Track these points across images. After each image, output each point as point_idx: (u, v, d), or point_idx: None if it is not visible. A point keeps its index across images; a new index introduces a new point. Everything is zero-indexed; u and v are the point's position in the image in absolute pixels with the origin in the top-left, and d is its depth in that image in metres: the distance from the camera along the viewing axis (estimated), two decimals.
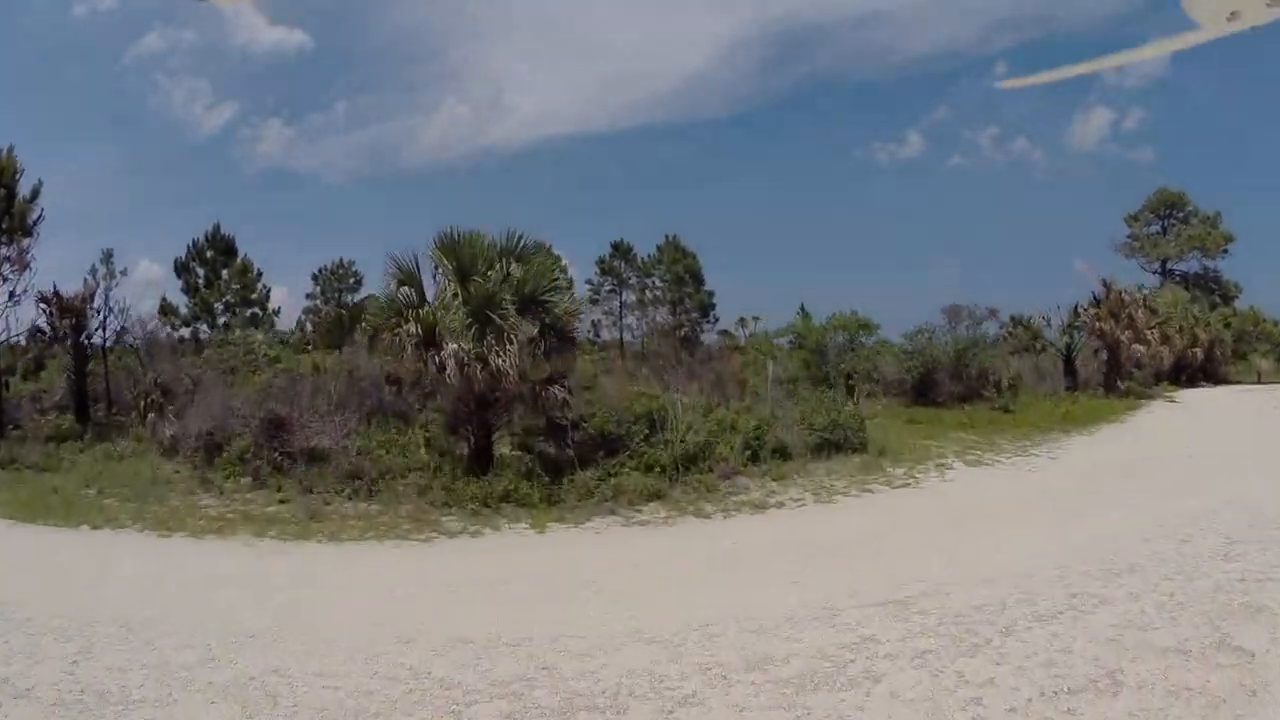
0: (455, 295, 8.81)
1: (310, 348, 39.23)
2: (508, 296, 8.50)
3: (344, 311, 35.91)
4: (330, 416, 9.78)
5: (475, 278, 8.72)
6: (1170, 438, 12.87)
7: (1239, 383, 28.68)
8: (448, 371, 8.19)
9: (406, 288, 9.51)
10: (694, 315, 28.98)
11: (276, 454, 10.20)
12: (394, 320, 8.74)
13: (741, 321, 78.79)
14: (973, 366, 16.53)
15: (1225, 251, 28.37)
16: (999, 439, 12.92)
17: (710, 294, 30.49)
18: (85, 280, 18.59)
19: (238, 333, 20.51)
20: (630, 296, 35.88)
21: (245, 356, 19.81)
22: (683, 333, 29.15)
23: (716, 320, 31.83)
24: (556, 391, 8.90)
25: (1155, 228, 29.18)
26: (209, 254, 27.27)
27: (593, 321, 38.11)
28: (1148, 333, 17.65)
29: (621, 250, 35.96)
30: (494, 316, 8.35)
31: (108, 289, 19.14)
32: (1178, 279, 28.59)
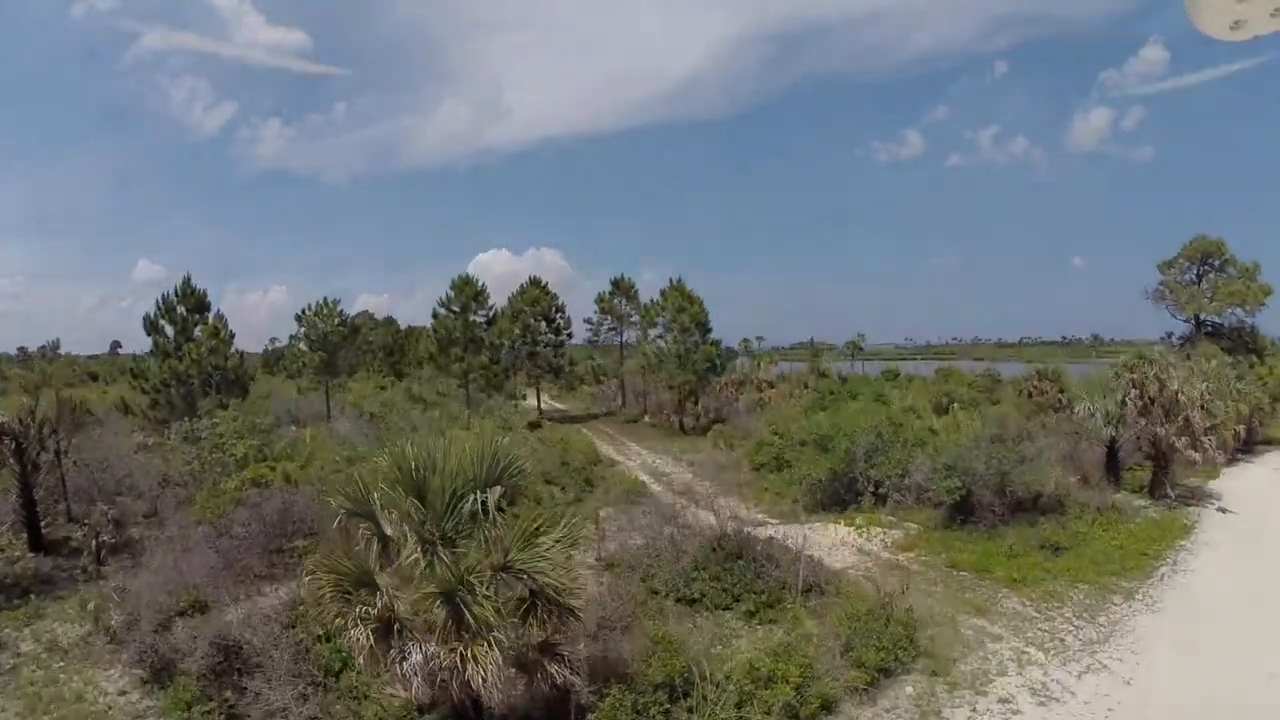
0: (417, 561, 7.05)
1: (300, 378, 37.06)
2: (481, 588, 6.72)
3: (327, 355, 34.07)
4: (288, 670, 8.17)
5: (442, 550, 6.92)
6: (1245, 618, 11.35)
7: (1270, 443, 27.26)
8: (414, 688, 6.52)
9: (359, 521, 7.77)
10: (701, 367, 27.27)
11: (228, 696, 8.76)
12: (340, 607, 6.92)
13: (745, 343, 77.00)
14: (1017, 487, 14.97)
15: (1264, 305, 26.78)
16: (1056, 615, 11.44)
17: (717, 344, 28.74)
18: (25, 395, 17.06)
19: (205, 422, 18.78)
20: (632, 335, 34.21)
21: (212, 454, 18.18)
22: (688, 388, 27.50)
23: (722, 369, 30.15)
24: (555, 670, 7.27)
25: (1190, 275, 27.45)
26: (180, 310, 25.44)
27: (594, 367, 36.40)
28: (1204, 439, 16.10)
29: (623, 287, 34.13)
30: (467, 611, 6.59)
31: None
32: (1209, 329, 26.95)
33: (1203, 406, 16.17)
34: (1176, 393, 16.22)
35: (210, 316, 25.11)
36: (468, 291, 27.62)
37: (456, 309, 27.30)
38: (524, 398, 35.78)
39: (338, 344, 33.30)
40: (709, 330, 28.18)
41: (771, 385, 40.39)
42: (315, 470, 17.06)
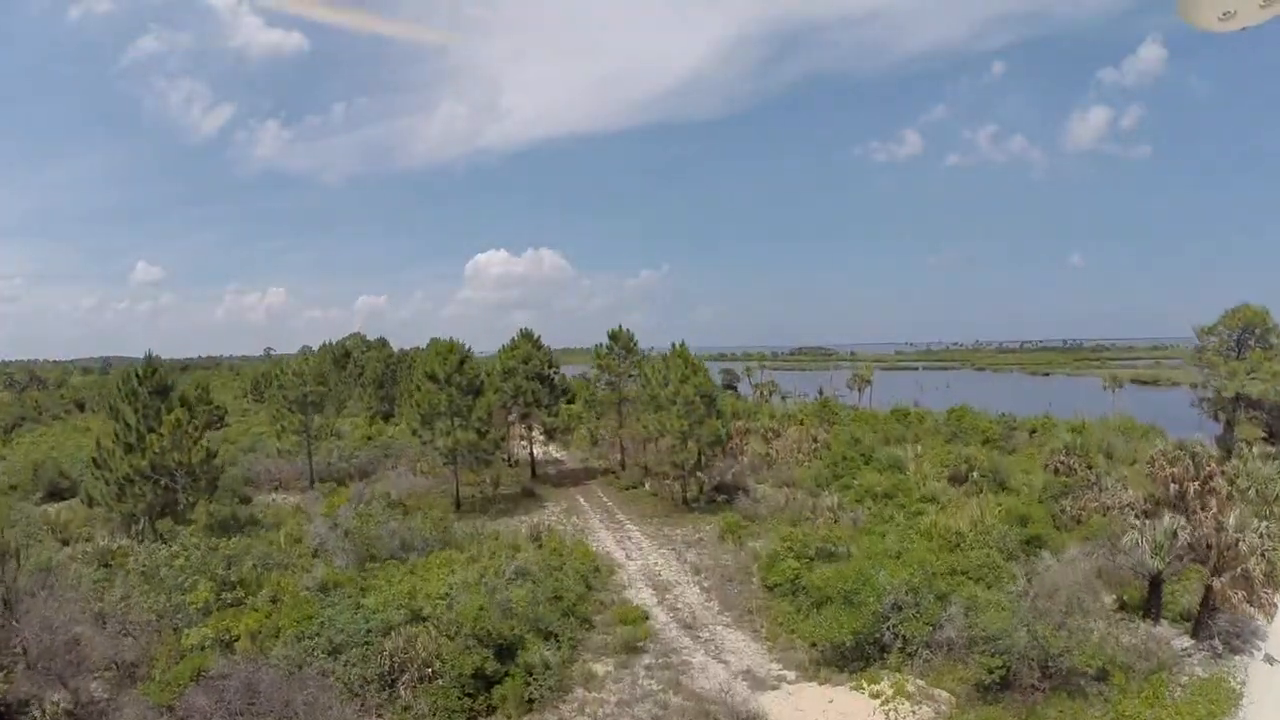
0: None
1: (281, 438, 35.03)
2: None
3: (305, 417, 32.23)
4: None
5: None
6: None
7: None
8: None
9: None
10: (707, 441, 25.56)
11: None
12: None
13: (748, 371, 75.44)
14: (1065, 661, 13.45)
15: None
16: None
17: (725, 424, 26.90)
18: None
19: (163, 553, 17.16)
20: (631, 387, 32.54)
21: (174, 597, 16.64)
22: (691, 464, 25.87)
23: (728, 437, 28.49)
24: None
25: (1230, 343, 25.82)
26: (142, 393, 23.65)
27: (591, 430, 34.69)
28: (1263, 593, 14.60)
29: (620, 340, 32.37)
30: None
31: None
32: (1248, 400, 25.40)
33: (1263, 554, 14.62)
34: (1237, 541, 14.65)
35: (174, 399, 23.35)
36: (451, 361, 25.76)
37: (441, 378, 25.51)
38: (515, 462, 34.08)
39: (317, 403, 31.47)
40: (714, 401, 26.44)
41: (778, 434, 38.80)
42: (285, 618, 15.46)
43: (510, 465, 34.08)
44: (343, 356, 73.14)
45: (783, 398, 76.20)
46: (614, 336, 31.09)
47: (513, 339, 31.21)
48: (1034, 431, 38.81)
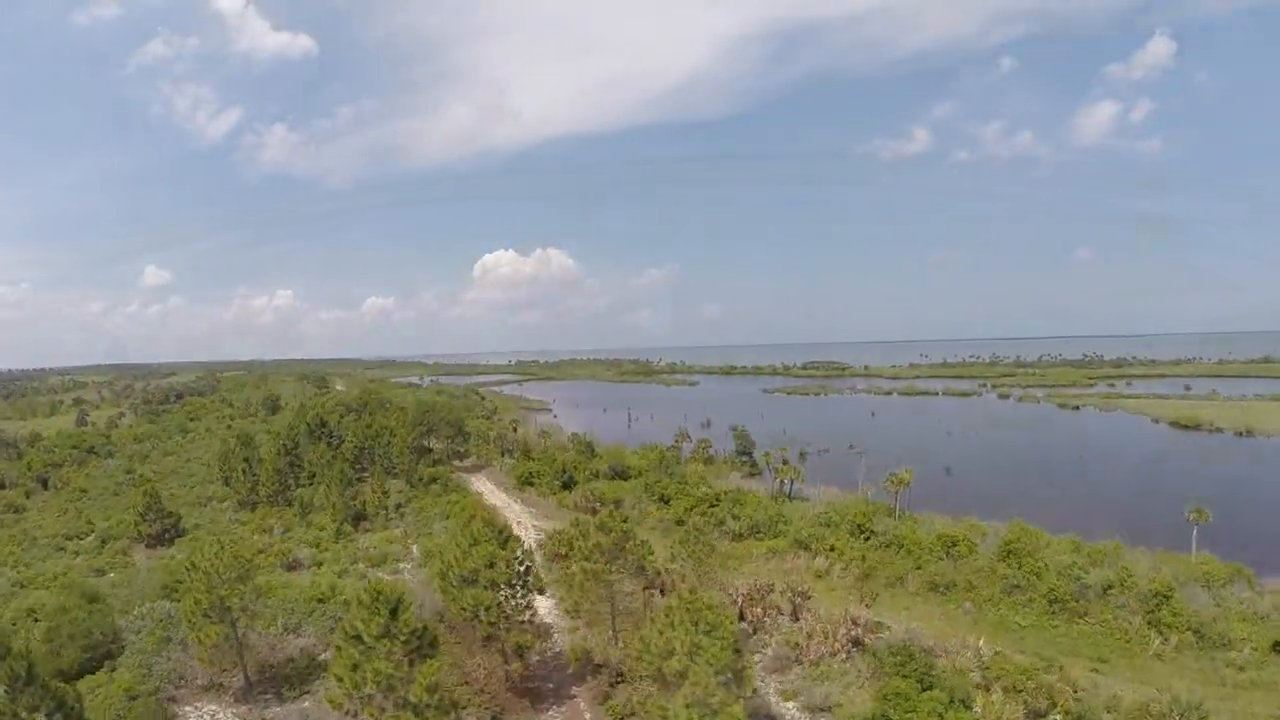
0: None
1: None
2: None
3: (228, 629, 26.57)
4: None
5: None
6: None
7: None
8: None
9: None
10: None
11: None
12: None
13: (767, 456, 67.98)
14: None
15: None
16: None
17: (739, 650, 20.89)
18: None
19: None
20: (625, 580, 26.67)
21: None
22: None
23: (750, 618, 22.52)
24: None
25: None
26: None
27: (576, 648, 28.80)
28: None
29: (612, 529, 26.26)
30: None
31: None
32: None
33: None
34: None
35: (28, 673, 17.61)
36: (380, 615, 19.67)
37: (368, 639, 19.67)
38: (481, 690, 28.07)
39: (243, 604, 25.76)
40: (743, 675, 20.37)
41: (807, 596, 32.59)
42: None
43: (477, 691, 27.31)
44: (318, 426, 67.34)
45: (801, 453, 69.70)
46: (603, 526, 24.98)
47: (472, 533, 24.75)
48: (1109, 588, 32.86)
